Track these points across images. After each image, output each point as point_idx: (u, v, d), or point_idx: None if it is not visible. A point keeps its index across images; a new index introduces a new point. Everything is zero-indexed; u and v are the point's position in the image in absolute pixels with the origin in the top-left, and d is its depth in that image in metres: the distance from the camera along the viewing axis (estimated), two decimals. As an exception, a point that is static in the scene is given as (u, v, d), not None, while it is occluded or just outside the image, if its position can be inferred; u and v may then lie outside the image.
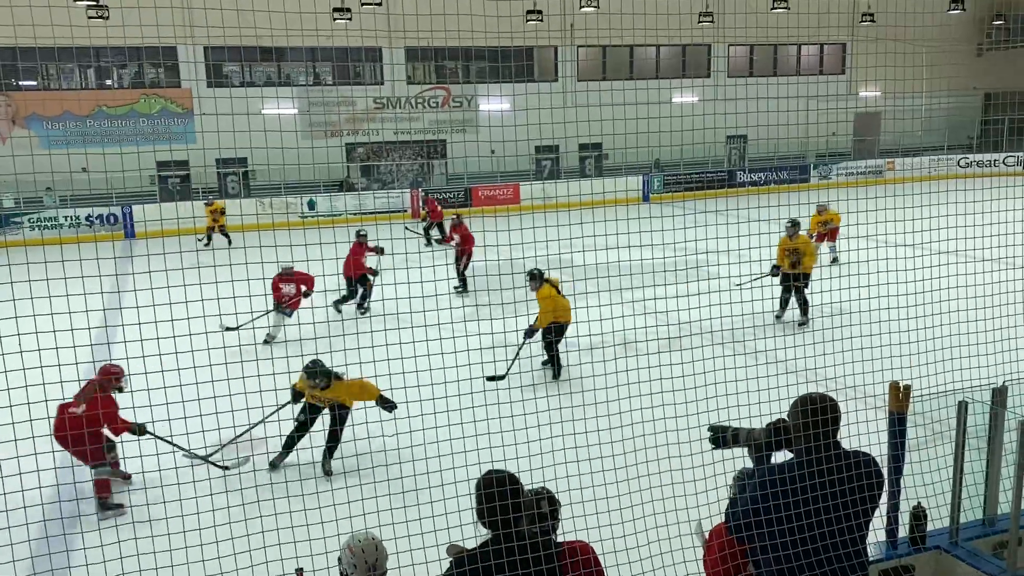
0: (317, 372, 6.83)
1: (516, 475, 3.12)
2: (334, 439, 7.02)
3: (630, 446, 4.11)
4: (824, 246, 15.95)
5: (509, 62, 29.67)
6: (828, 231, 16.08)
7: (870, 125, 34.02)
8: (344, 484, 4.16)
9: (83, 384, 6.74)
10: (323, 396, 6.93)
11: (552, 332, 9.98)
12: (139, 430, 6.46)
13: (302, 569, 3.46)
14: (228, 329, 9.61)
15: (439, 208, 21.79)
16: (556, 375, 9.87)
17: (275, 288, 11.72)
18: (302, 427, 7.16)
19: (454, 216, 15.97)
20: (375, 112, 28.79)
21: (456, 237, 15.06)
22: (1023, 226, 7.72)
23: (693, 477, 4.07)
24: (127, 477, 6.98)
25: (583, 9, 24.55)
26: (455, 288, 14.16)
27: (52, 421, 6.11)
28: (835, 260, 15.92)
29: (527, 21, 24.39)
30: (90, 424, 6.30)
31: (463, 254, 14.87)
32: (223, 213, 21.23)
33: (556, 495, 3.54)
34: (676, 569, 3.98)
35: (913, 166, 30.66)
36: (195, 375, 4.15)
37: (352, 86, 28.65)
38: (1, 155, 23.51)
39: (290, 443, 7.17)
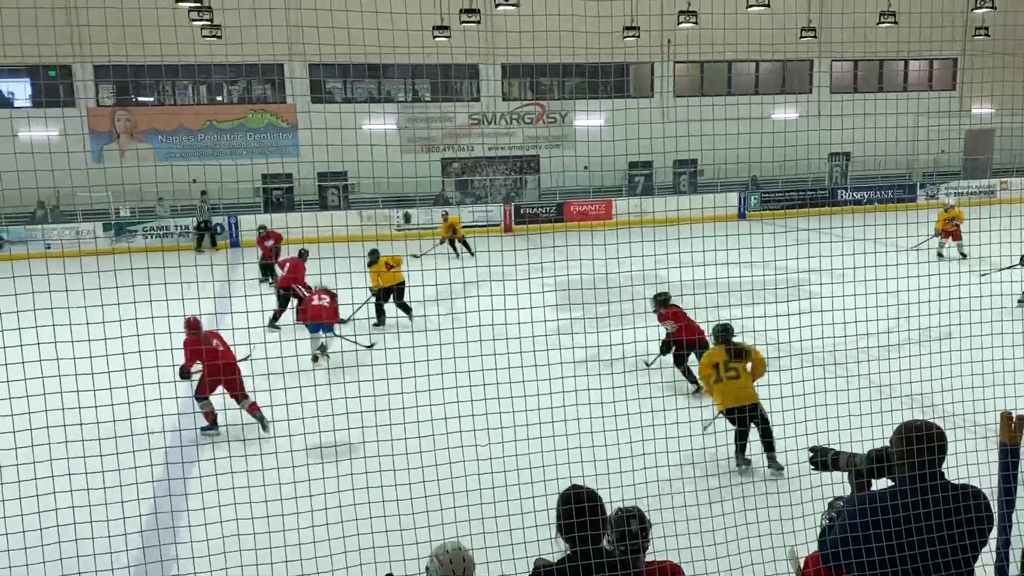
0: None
1: (596, 491, 3.11)
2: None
3: (725, 467, 4.03)
4: (950, 243, 17.44)
5: (605, 78, 29.73)
6: (954, 228, 17.29)
7: (982, 143, 32.50)
8: (437, 491, 4.23)
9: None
10: None
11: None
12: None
13: (391, 575, 3.52)
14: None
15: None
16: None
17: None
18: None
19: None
20: (471, 128, 29.22)
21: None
22: None
23: (790, 501, 3.97)
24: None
25: (681, 25, 24.32)
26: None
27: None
28: (963, 256, 16.99)
29: (624, 38, 24.32)
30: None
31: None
32: (455, 226, 21.53)
33: (647, 514, 3.50)
34: (770, 595, 3.89)
35: (1029, 186, 29.18)
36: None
37: (449, 102, 29.17)
38: (121, 167, 24.94)
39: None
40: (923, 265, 5.65)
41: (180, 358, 7.69)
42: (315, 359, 10.90)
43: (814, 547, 3.56)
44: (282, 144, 27.54)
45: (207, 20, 20.32)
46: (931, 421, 3.27)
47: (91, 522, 4.06)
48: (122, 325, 4.07)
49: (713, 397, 7.63)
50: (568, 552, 3.04)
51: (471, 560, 3.33)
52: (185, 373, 8.09)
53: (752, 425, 7.16)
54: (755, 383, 7.50)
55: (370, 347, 11.67)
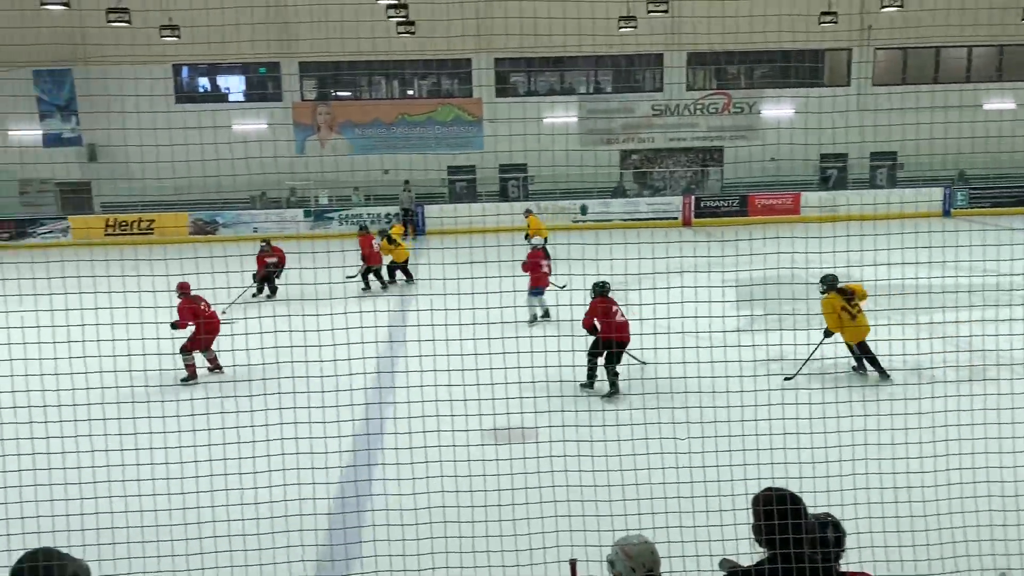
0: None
1: (799, 495, 2.98)
2: None
3: (931, 480, 3.76)
4: None
5: (796, 66, 28.39)
6: None
7: None
8: (620, 482, 4.22)
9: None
10: None
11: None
12: None
13: (576, 560, 3.54)
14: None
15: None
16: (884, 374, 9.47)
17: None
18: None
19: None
20: (652, 119, 28.84)
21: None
22: None
23: (1004, 521, 3.64)
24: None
25: (884, 9, 22.74)
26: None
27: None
28: None
29: (820, 23, 23.10)
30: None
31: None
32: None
33: (841, 522, 3.33)
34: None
35: None
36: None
37: (630, 93, 28.91)
38: (321, 156, 26.67)
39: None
40: None
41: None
42: (533, 320, 12.83)
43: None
44: (467, 137, 28.38)
45: (403, 16, 21.23)
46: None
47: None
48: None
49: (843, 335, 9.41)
50: (767, 555, 2.95)
51: (658, 555, 3.28)
52: (177, 327, 10.04)
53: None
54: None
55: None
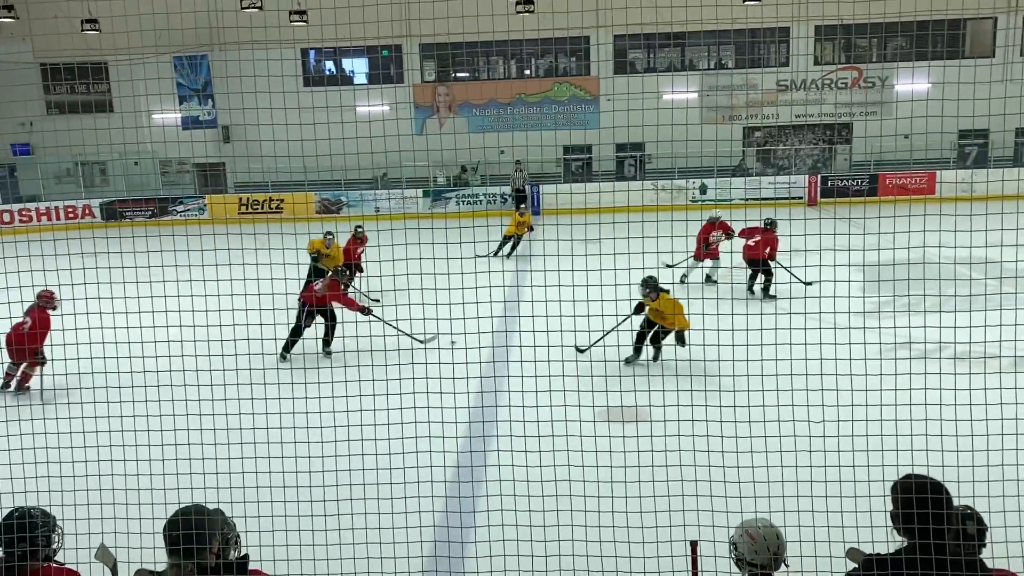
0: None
1: (941, 484, 2.87)
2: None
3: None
4: None
5: (934, 37, 26.75)
6: None
7: None
8: (750, 464, 4.15)
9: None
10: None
11: None
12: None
13: (696, 541, 3.50)
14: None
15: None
16: None
17: None
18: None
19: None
20: (776, 95, 27.84)
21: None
22: None
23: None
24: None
25: (1036, -29, 21.13)
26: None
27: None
28: None
29: (962, -10, 21.68)
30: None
31: None
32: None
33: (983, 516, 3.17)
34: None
35: None
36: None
37: (754, 71, 27.99)
38: (440, 134, 27.13)
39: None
40: None
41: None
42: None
43: None
44: (583, 115, 28.21)
45: (522, -5, 21.25)
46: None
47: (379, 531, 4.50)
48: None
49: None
50: (906, 544, 2.86)
51: (784, 539, 3.20)
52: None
53: None
54: None
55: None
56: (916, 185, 25.41)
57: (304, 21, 22.00)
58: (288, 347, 10.32)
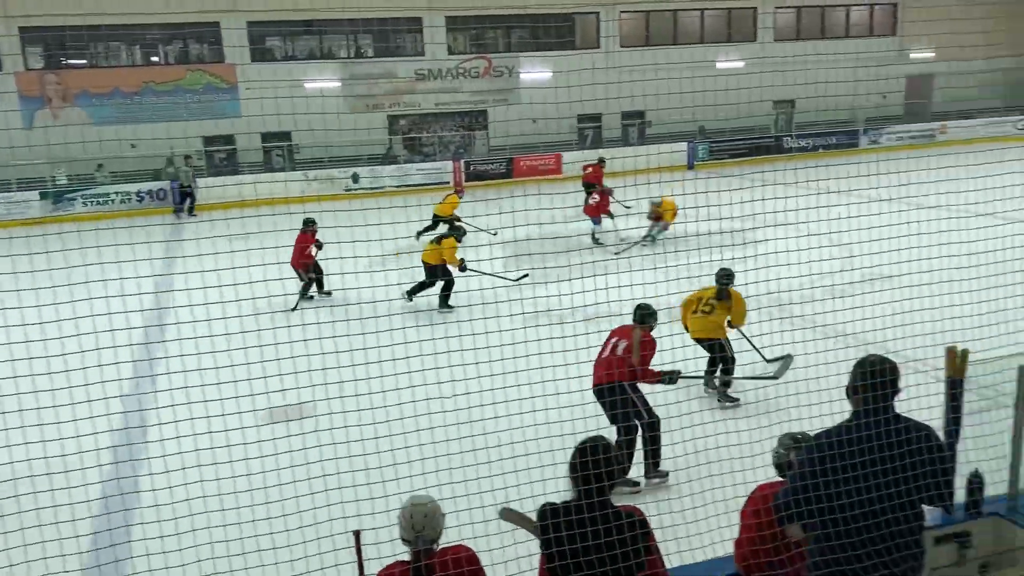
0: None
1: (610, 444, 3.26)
2: None
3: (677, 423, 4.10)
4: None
5: (549, 29, 29.43)
6: None
7: (922, 88, 33.04)
8: (389, 446, 4.23)
9: None
10: None
11: None
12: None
13: (359, 531, 3.51)
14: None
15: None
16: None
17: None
18: None
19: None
20: (416, 84, 28.76)
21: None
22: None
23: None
24: None
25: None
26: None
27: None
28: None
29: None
30: None
31: None
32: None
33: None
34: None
35: (966, 129, 29.86)
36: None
37: (393, 58, 28.63)
38: (57, 127, 24.02)
39: None
40: (861, 206, 5.75)
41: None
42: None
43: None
44: (222, 105, 26.77)
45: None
46: (884, 356, 3.35)
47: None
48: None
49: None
50: (573, 496, 3.20)
51: (434, 511, 3.30)
52: None
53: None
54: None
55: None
56: (545, 167, 27.85)
57: None
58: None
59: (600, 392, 6.40)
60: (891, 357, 3.35)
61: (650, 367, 6.49)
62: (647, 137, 30.36)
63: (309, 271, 13.04)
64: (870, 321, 5.89)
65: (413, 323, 11.08)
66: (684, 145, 28.70)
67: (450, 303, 12.21)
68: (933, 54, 31.73)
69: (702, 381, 8.24)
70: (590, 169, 18.64)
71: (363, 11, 25.52)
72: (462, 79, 29.19)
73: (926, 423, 3.38)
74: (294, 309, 12.04)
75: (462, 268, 12.08)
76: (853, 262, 11.54)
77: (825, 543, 3.24)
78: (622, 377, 6.27)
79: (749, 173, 21.90)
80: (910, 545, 3.25)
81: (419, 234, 16.67)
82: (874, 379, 3.27)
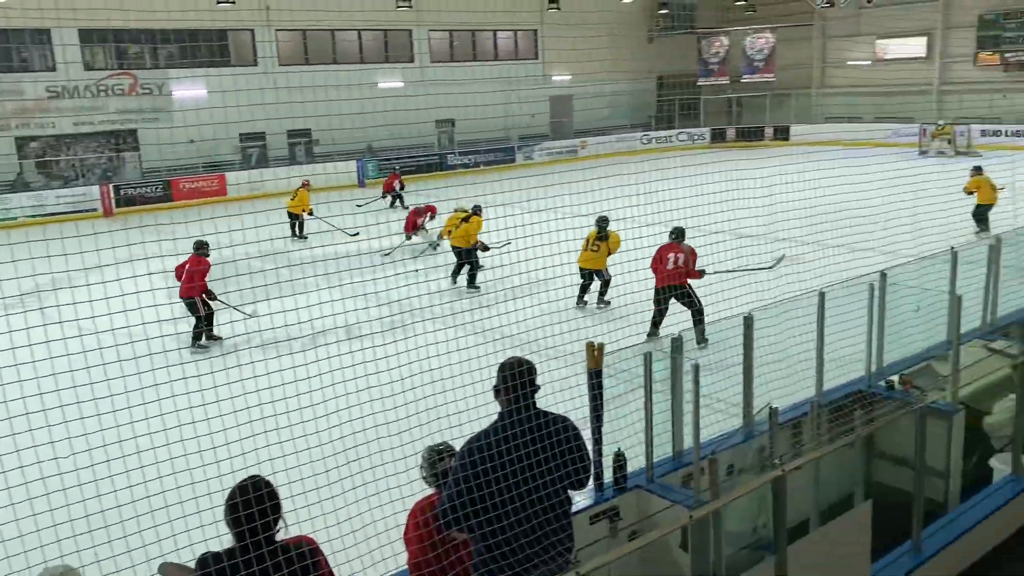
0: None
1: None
2: None
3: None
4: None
5: (201, 46, 27.94)
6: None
7: (564, 108, 36.42)
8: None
9: None
10: None
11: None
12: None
13: None
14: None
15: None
16: None
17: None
18: None
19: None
20: (49, 102, 25.73)
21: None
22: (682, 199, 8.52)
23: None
24: None
25: (279, -9, 23.65)
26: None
27: None
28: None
29: (218, 3, 23.05)
30: None
31: None
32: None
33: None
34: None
35: (604, 144, 33.51)
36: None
37: (19, 73, 25.34)
38: None
39: None
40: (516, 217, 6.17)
41: None
42: None
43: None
44: None
45: None
46: (522, 358, 3.60)
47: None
48: None
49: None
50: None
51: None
52: None
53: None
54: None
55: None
56: (209, 188, 26.40)
57: None
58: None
59: (673, 289, 9.56)
60: (538, 353, 3.62)
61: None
62: (315, 155, 30.01)
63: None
64: (523, 323, 6.33)
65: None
66: (354, 164, 28.82)
67: (476, 283, 13.34)
68: (570, 77, 35.15)
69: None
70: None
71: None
72: (104, 97, 26.64)
73: (563, 414, 3.68)
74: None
75: (484, 248, 13.08)
76: (515, 267, 12.37)
77: (484, 543, 3.38)
78: (691, 276, 9.69)
79: (416, 191, 22.60)
80: (558, 531, 3.51)
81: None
82: (516, 379, 3.50)
